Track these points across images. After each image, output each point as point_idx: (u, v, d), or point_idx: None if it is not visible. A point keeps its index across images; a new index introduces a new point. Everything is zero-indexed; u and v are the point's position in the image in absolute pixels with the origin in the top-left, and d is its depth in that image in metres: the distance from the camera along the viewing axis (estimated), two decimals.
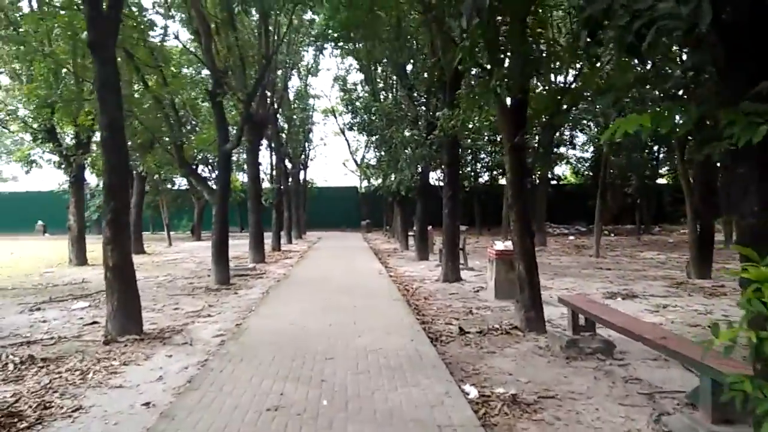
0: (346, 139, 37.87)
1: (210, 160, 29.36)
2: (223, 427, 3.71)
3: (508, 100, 6.93)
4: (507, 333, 6.66)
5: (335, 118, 37.65)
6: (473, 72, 9.39)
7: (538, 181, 22.98)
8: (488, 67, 7.02)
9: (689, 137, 11.94)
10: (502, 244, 9.21)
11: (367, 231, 34.48)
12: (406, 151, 15.49)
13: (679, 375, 5.01)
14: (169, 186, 29.67)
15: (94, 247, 24.35)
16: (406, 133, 15.82)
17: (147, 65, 9.78)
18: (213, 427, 3.72)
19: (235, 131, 12.44)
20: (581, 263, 14.63)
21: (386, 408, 4.04)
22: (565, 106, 7.59)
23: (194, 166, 11.73)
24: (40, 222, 35.63)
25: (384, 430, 3.66)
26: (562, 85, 8.25)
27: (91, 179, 30.45)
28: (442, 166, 20.27)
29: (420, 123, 15.99)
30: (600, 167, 30.71)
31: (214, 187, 11.60)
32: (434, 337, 6.42)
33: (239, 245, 19.87)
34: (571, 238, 25.70)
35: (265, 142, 23.00)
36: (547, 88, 8.14)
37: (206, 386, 4.59)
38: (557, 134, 25.86)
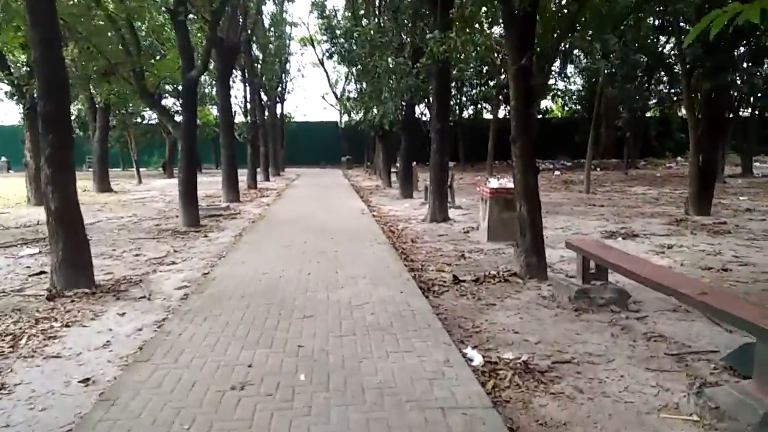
0: (325, 71, 36.33)
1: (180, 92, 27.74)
2: (173, 416, 2.98)
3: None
4: (505, 281, 5.99)
5: (314, 48, 35.74)
6: None
7: None
8: None
9: (698, 65, 11.09)
10: (496, 182, 8.44)
11: (348, 167, 33.48)
12: (390, 81, 14.35)
13: (707, 329, 4.41)
14: (138, 120, 28.06)
15: None
16: (390, 62, 14.61)
17: None
18: (161, 415, 2.99)
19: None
20: (572, 200, 14.01)
21: (376, 384, 3.34)
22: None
23: (158, 97, 10.52)
24: (2, 158, 33.87)
25: (375, 416, 2.96)
26: None
27: None
28: (428, 99, 19.21)
29: (406, 51, 14.79)
30: (592, 99, 29.96)
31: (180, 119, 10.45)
32: (426, 288, 5.72)
33: (214, 182, 18.90)
34: (557, 173, 25.11)
35: (239, 73, 21.54)
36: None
37: (160, 355, 3.84)
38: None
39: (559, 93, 32.96)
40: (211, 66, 14.03)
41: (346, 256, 7.11)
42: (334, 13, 21.58)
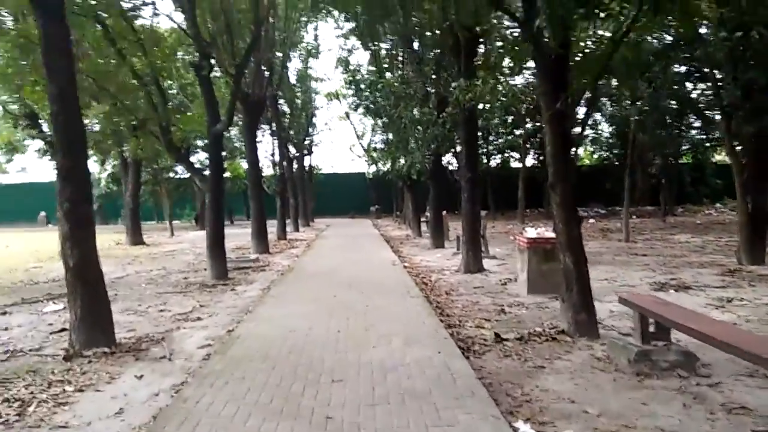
0: (351, 123, 36.46)
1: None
2: None
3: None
4: (553, 339, 5.49)
5: (339, 101, 36.33)
6: (503, 25, 8.12)
7: None
8: (520, 15, 5.81)
9: (737, 109, 10.65)
10: (533, 231, 8.00)
11: (377, 217, 33.34)
12: (416, 131, 14.24)
13: None
14: (170, 174, 28.62)
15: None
16: (416, 113, 14.53)
17: (122, 36, 8.56)
18: None
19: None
20: (612, 249, 13.38)
21: None
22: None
23: (186, 152, 10.54)
24: (42, 213, 34.81)
25: None
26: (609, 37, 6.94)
27: (92, 166, 29.58)
28: (453, 149, 19.02)
29: (430, 101, 14.73)
30: (622, 146, 29.45)
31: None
32: (465, 347, 5.25)
33: (244, 234, 18.79)
34: (592, 221, 24.38)
35: (266, 126, 21.86)
36: (595, 39, 6.86)
37: (174, 427, 3.46)
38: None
39: (587, 141, 32.58)
40: (239, 121, 14.14)
41: (377, 312, 6.69)
42: (358, 68, 21.96)
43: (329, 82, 62.85)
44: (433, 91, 14.08)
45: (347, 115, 36.90)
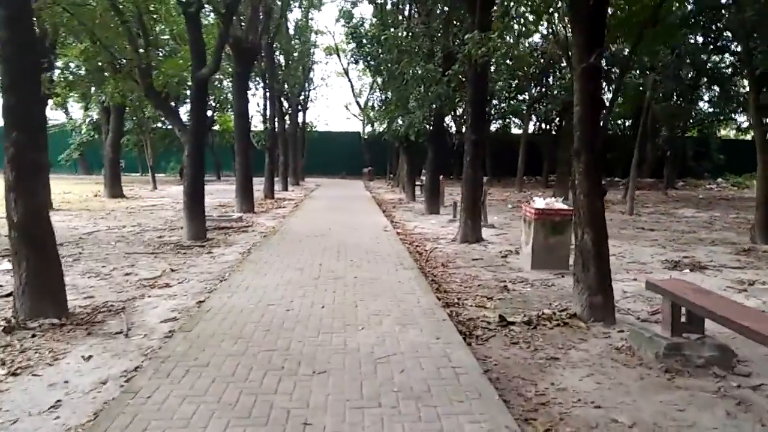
0: (350, 80, 35.58)
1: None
2: None
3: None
4: (564, 324, 4.86)
5: (339, 57, 35.11)
6: None
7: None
8: None
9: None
10: (542, 201, 7.30)
11: (370, 179, 32.50)
12: (419, 89, 13.33)
13: None
14: (156, 125, 27.52)
15: (71, 187, 22.51)
16: (419, 69, 13.59)
17: None
18: None
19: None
20: (616, 222, 12.76)
21: None
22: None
23: (166, 97, 9.60)
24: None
25: None
26: None
27: (76, 112, 28.33)
28: (455, 111, 18.12)
29: (436, 57, 13.79)
30: (628, 116, 28.61)
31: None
32: (467, 331, 4.61)
33: (231, 191, 17.98)
34: None
35: (260, 80, 20.76)
36: None
37: None
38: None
39: None
40: (229, 67, 13.15)
41: (367, 285, 6.02)
42: (361, 21, 20.75)
43: (329, 36, 60.79)
44: (439, 47, 13.14)
45: (345, 71, 35.84)
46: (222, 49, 9.09)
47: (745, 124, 35.22)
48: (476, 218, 9.58)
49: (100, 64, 10.45)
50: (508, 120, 33.02)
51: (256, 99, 33.43)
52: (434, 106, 12.90)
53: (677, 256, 8.27)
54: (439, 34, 13.56)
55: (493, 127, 31.98)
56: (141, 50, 9.00)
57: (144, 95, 9.66)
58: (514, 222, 12.43)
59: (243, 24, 13.30)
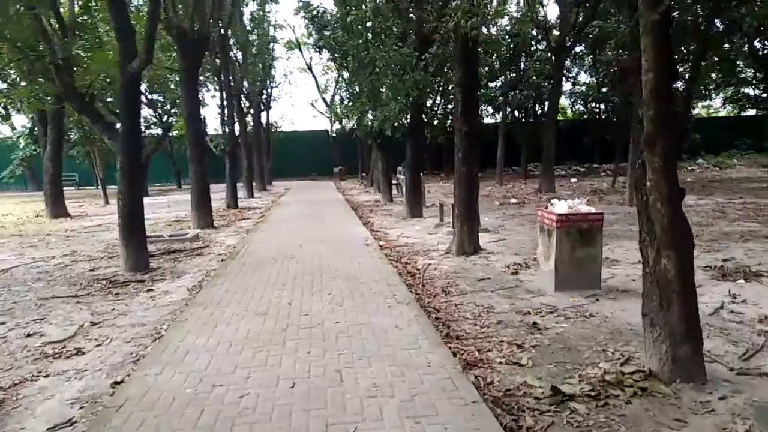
0: (314, 76, 33.78)
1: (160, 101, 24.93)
2: None
3: None
4: (641, 390, 3.40)
5: (300, 52, 33.29)
6: None
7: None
8: None
9: None
10: (564, 204, 5.85)
11: (341, 179, 30.89)
12: (392, 77, 11.79)
13: None
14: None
15: (14, 207, 20.31)
16: (390, 55, 12.04)
17: None
18: None
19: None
20: (620, 216, 11.45)
21: None
22: None
23: (90, 98, 7.81)
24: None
25: None
26: None
27: (17, 120, 25.93)
28: (437, 98, 16.57)
29: (409, 40, 12.29)
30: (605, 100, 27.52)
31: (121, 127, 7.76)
32: (512, 421, 3.10)
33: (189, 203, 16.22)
34: (574, 180, 22.65)
35: (215, 78, 18.94)
36: None
37: None
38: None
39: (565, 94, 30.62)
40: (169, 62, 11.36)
41: (354, 337, 4.46)
42: (322, 8, 19.05)
43: (289, 31, 58.77)
44: (412, 27, 11.62)
45: (309, 66, 33.94)
46: (153, 35, 7.37)
47: (719, 102, 34.90)
48: (473, 224, 8.11)
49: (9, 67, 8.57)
50: (482, 108, 31.82)
51: (216, 101, 31.46)
52: (412, 94, 11.38)
53: (714, 260, 6.94)
54: (411, 13, 12.05)
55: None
56: (53, 42, 7.22)
57: (63, 97, 7.89)
58: (508, 223, 11.04)
59: (188, 10, 11.52)
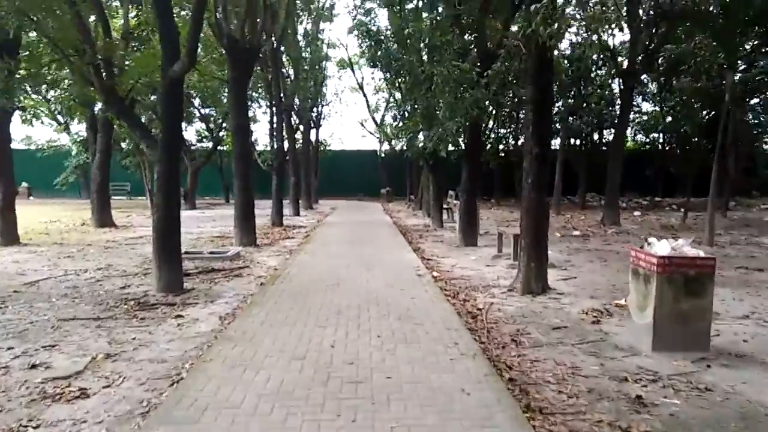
0: (365, 95, 33.30)
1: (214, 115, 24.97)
2: None
3: None
4: None
5: (352, 71, 33.15)
6: None
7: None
8: None
9: None
10: (665, 244, 4.84)
11: (388, 200, 30.19)
12: (450, 95, 11.01)
13: None
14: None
15: (63, 214, 20.46)
16: (449, 71, 11.25)
17: None
18: None
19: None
20: None
21: None
22: None
23: (131, 102, 7.40)
24: (24, 183, 31.94)
25: None
26: None
27: (75, 128, 26.54)
28: (489, 121, 15.69)
29: (470, 56, 11.52)
30: (668, 128, 25.88)
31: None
32: None
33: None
34: (637, 213, 21.18)
35: (265, 93, 18.65)
36: None
37: None
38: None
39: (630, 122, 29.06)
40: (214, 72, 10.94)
41: (409, 402, 3.59)
42: (377, 18, 18.38)
43: (342, 50, 59.17)
44: (474, 42, 10.85)
45: (360, 86, 33.70)
46: (196, 38, 6.82)
47: None
48: (542, 260, 7.13)
49: (44, 62, 8.20)
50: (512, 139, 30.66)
51: (267, 117, 31.52)
52: (472, 113, 10.54)
53: None
54: (474, 27, 11.27)
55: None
56: (97, 41, 6.78)
57: (102, 101, 7.46)
58: (575, 258, 9.97)
59: (235, 20, 11.14)
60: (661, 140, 30.68)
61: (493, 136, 26.66)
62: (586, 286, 7.50)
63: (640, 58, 16.19)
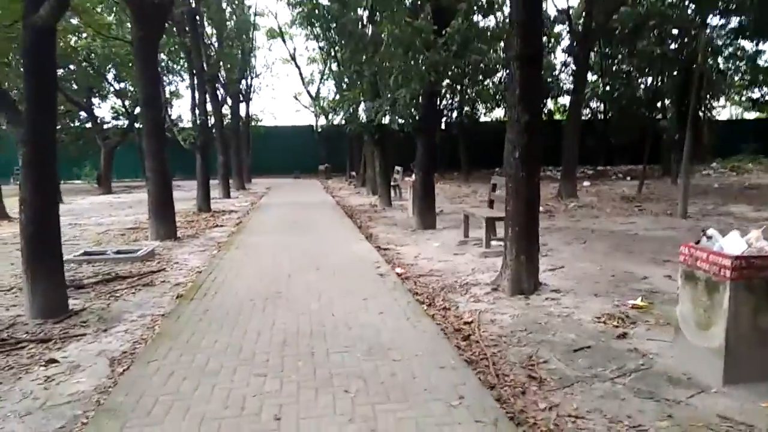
0: (298, 66, 31.23)
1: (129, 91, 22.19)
2: None
3: None
4: None
5: (284, 41, 30.85)
6: None
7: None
8: None
9: None
10: (738, 239, 3.55)
11: (326, 177, 28.46)
12: (403, 59, 9.42)
13: None
14: (71, 123, 22.70)
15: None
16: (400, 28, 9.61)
17: None
18: None
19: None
20: (682, 232, 9.23)
21: None
22: None
23: None
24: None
25: None
26: None
27: None
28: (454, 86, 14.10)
29: (424, 11, 9.96)
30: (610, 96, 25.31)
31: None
32: None
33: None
34: (587, 183, 20.54)
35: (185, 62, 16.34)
36: None
37: None
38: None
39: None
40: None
41: None
42: None
43: (271, 19, 55.98)
44: None
45: (293, 57, 31.45)
46: None
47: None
48: (534, 251, 5.80)
49: None
50: (473, 108, 29.64)
51: (185, 91, 28.75)
52: (425, 80, 9.02)
53: None
54: None
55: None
56: None
57: None
58: (549, 240, 8.71)
59: None
60: (601, 110, 30.53)
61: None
62: (581, 279, 6.26)
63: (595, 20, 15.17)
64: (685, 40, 14.37)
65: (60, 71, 20.18)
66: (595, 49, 23.27)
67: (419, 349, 4.01)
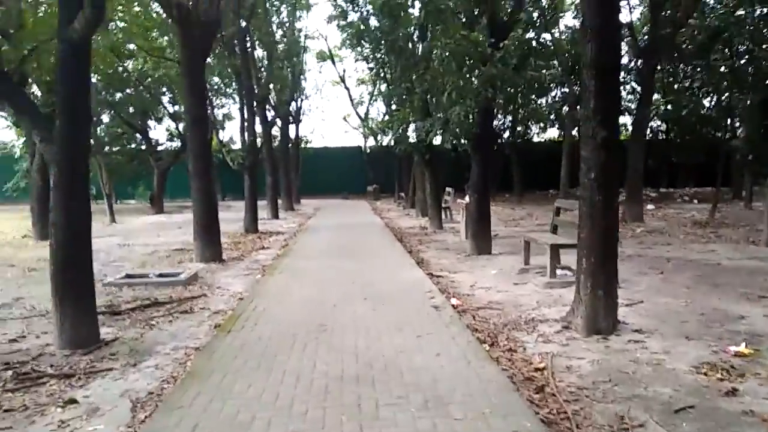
0: (347, 88, 31.25)
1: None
2: None
3: None
4: None
5: (333, 64, 30.96)
6: None
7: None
8: None
9: None
10: None
11: (375, 198, 28.11)
12: (458, 74, 8.89)
13: None
14: (122, 144, 23.25)
15: (7, 224, 17.95)
16: (453, 43, 9.09)
17: None
18: None
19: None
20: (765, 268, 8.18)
21: None
22: None
23: (18, 79, 5.23)
24: None
25: None
26: None
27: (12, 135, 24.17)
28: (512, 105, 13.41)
29: (480, 24, 9.42)
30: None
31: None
32: None
33: (225, 219, 13.55)
34: (650, 207, 19.28)
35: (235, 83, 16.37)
36: None
37: None
38: None
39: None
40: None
41: None
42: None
43: (321, 41, 56.73)
44: (484, 5, 8.70)
45: (342, 79, 31.53)
46: None
47: None
48: (612, 286, 5.07)
49: None
50: (526, 128, 28.74)
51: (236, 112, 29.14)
52: (486, 94, 8.44)
53: None
54: None
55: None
56: None
57: None
58: (621, 268, 7.82)
59: None
60: (663, 129, 29.07)
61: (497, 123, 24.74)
62: (665, 317, 5.46)
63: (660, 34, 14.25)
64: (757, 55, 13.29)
65: (118, 95, 20.79)
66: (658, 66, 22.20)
67: (485, 405, 3.37)
